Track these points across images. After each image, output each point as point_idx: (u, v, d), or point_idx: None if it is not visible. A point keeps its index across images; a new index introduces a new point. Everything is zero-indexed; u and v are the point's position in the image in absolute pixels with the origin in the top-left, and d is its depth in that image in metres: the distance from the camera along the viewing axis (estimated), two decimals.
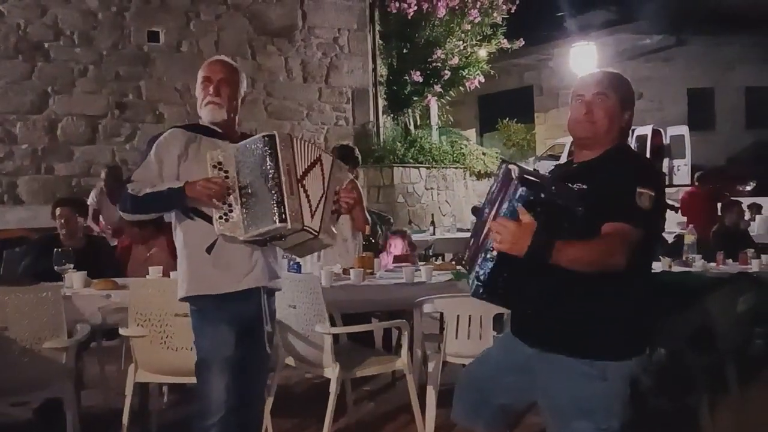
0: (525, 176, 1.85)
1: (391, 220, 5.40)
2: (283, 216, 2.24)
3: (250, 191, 2.29)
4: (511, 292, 1.93)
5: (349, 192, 2.51)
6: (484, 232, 1.93)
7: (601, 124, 2.03)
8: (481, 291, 1.89)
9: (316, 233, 2.37)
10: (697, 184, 8.37)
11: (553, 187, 1.88)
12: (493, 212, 1.91)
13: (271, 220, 2.24)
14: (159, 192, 2.32)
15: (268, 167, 2.27)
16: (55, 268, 3.53)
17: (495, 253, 1.82)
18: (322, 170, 2.43)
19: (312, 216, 2.35)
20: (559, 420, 2.05)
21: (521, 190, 1.81)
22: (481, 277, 1.87)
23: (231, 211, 2.30)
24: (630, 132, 2.14)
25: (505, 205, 1.84)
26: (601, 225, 1.88)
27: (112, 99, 8.93)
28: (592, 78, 2.11)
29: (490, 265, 1.85)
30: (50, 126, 8.64)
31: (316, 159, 2.42)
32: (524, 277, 1.87)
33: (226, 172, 2.32)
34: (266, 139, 2.30)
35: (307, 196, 2.35)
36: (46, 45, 8.61)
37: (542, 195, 1.83)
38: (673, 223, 7.39)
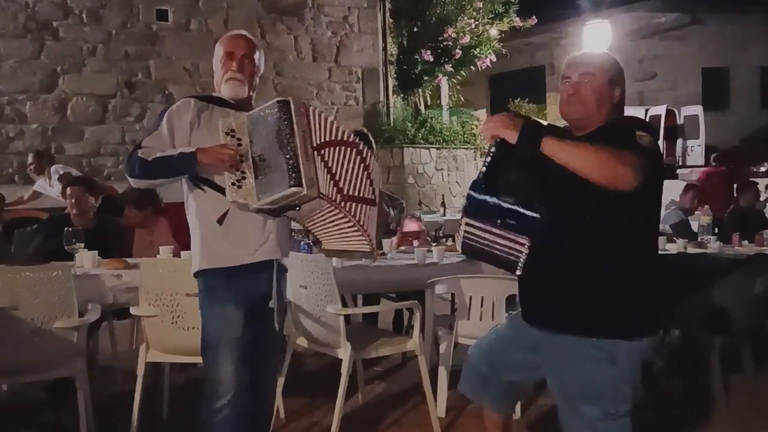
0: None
1: (403, 203, 5.33)
2: (299, 180, 2.15)
3: (263, 158, 2.21)
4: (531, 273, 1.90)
5: None
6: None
7: (590, 102, 2.01)
8: (475, 198, 1.93)
9: (371, 242, 2.30)
10: (714, 164, 8.27)
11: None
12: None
13: (285, 185, 2.15)
14: (169, 156, 2.25)
15: (283, 132, 2.18)
16: (66, 247, 3.52)
17: (492, 147, 1.94)
18: (365, 167, 2.32)
19: (335, 187, 2.26)
20: (568, 403, 2.05)
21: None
22: (480, 177, 1.94)
23: (244, 178, 2.23)
24: (624, 107, 2.10)
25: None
26: (598, 193, 1.82)
27: (121, 78, 8.89)
28: (578, 59, 2.10)
29: (488, 160, 1.94)
30: (60, 105, 8.62)
31: (346, 141, 2.31)
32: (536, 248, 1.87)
33: (239, 139, 2.25)
34: (280, 104, 2.22)
35: (328, 169, 2.25)
36: (54, 24, 8.56)
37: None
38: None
